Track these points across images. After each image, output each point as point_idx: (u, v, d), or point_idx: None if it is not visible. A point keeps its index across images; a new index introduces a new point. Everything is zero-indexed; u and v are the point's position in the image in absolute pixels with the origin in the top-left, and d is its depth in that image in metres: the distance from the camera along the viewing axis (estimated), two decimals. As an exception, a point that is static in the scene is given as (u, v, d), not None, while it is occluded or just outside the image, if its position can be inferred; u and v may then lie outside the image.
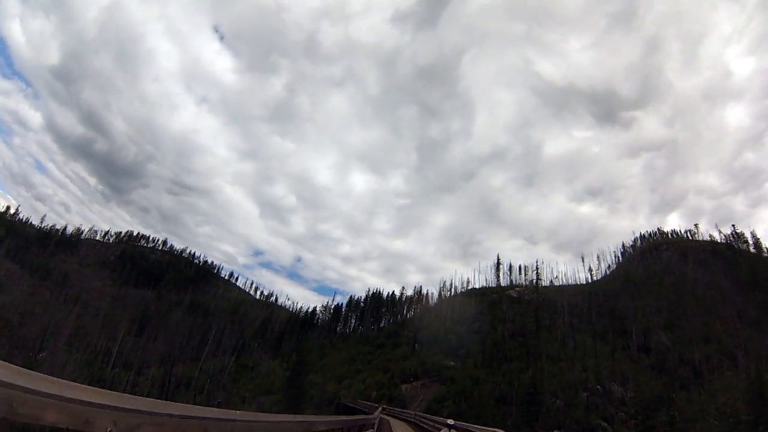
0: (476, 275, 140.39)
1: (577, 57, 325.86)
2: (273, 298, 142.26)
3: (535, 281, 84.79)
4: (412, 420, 28.83)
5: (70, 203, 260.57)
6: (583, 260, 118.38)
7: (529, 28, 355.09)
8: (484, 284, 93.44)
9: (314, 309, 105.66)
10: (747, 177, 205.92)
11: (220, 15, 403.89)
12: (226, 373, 64.43)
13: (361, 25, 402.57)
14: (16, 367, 1.31)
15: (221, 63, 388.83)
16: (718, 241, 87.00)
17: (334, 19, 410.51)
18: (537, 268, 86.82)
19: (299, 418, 3.96)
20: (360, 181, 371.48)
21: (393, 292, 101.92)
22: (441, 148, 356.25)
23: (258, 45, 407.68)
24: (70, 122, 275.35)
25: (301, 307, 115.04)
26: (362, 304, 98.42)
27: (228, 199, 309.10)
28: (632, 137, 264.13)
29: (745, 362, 42.74)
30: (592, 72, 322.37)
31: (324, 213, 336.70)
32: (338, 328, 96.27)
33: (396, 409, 40.04)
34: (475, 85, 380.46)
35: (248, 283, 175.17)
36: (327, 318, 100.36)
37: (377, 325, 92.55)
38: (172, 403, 1.83)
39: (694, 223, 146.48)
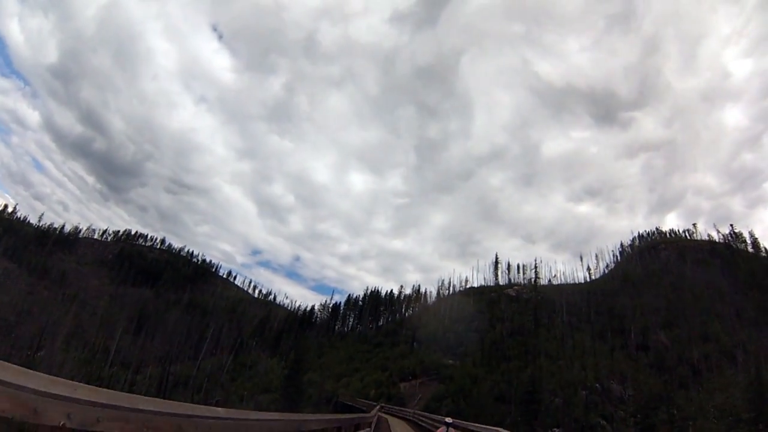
0: (475, 274, 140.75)
1: (576, 57, 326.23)
2: (271, 297, 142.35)
3: (533, 280, 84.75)
4: (411, 418, 28.71)
5: (68, 202, 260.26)
6: (581, 259, 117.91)
7: (527, 28, 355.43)
8: (483, 283, 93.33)
9: (312, 308, 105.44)
10: (745, 177, 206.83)
11: (219, 14, 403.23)
12: (224, 371, 64.25)
13: (360, 25, 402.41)
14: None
15: (220, 62, 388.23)
16: (717, 240, 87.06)
17: (334, 19, 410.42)
18: (535, 267, 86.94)
19: (289, 416, 3.77)
20: (358, 180, 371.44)
21: (391, 291, 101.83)
22: (439, 148, 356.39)
23: (257, 44, 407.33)
24: (68, 121, 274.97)
25: (300, 306, 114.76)
26: (361, 302, 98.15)
27: (226, 198, 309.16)
28: (631, 137, 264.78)
29: (743, 361, 42.76)
30: (590, 72, 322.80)
31: (322, 212, 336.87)
32: (336, 327, 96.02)
33: (394, 407, 39.89)
34: (474, 85, 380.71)
35: (246, 281, 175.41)
36: (325, 317, 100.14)
37: (376, 323, 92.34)
38: (141, 396, 1.63)
39: (693, 222, 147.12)
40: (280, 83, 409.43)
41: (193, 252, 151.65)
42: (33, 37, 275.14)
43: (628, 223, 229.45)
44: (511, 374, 47.77)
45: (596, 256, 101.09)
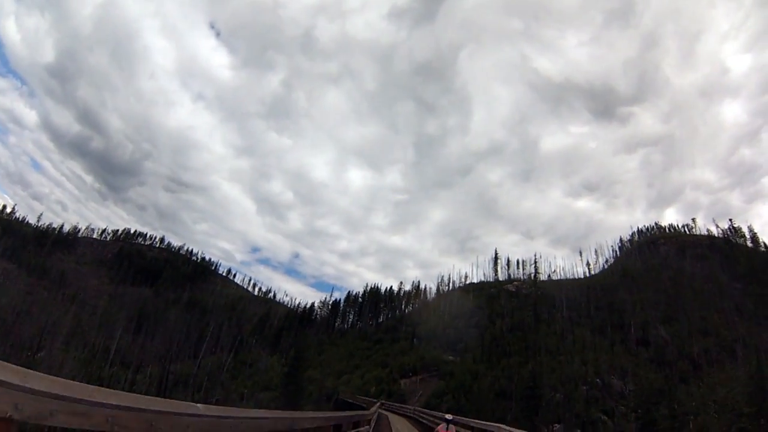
0: (474, 270, 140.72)
1: (575, 53, 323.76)
2: (271, 295, 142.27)
3: (533, 275, 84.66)
4: (412, 415, 28.66)
5: (66, 202, 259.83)
6: (581, 254, 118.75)
7: (526, 24, 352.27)
8: (482, 279, 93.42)
9: (312, 305, 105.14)
10: (743, 172, 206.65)
11: (216, 11, 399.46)
12: (224, 369, 64.17)
13: (357, 21, 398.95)
14: None
15: (217, 59, 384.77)
16: (716, 235, 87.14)
17: (331, 15, 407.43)
18: (535, 263, 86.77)
19: (279, 414, 3.60)
20: (357, 176, 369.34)
21: (391, 288, 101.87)
22: (438, 144, 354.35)
23: (254, 41, 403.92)
24: (65, 120, 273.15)
25: (299, 303, 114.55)
26: (360, 299, 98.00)
27: (225, 196, 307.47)
28: (629, 133, 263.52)
29: (743, 355, 42.76)
30: (589, 68, 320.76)
31: (321, 209, 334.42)
32: (336, 324, 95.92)
33: (395, 404, 39.86)
34: (473, 80, 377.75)
35: (246, 279, 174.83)
36: (325, 314, 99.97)
37: (375, 320, 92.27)
38: (106, 389, 1.45)
39: (692, 217, 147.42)
40: (277, 80, 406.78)
41: (192, 250, 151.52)
42: (30, 36, 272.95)
43: (627, 218, 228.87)
44: (511, 370, 47.77)
45: (595, 251, 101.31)
